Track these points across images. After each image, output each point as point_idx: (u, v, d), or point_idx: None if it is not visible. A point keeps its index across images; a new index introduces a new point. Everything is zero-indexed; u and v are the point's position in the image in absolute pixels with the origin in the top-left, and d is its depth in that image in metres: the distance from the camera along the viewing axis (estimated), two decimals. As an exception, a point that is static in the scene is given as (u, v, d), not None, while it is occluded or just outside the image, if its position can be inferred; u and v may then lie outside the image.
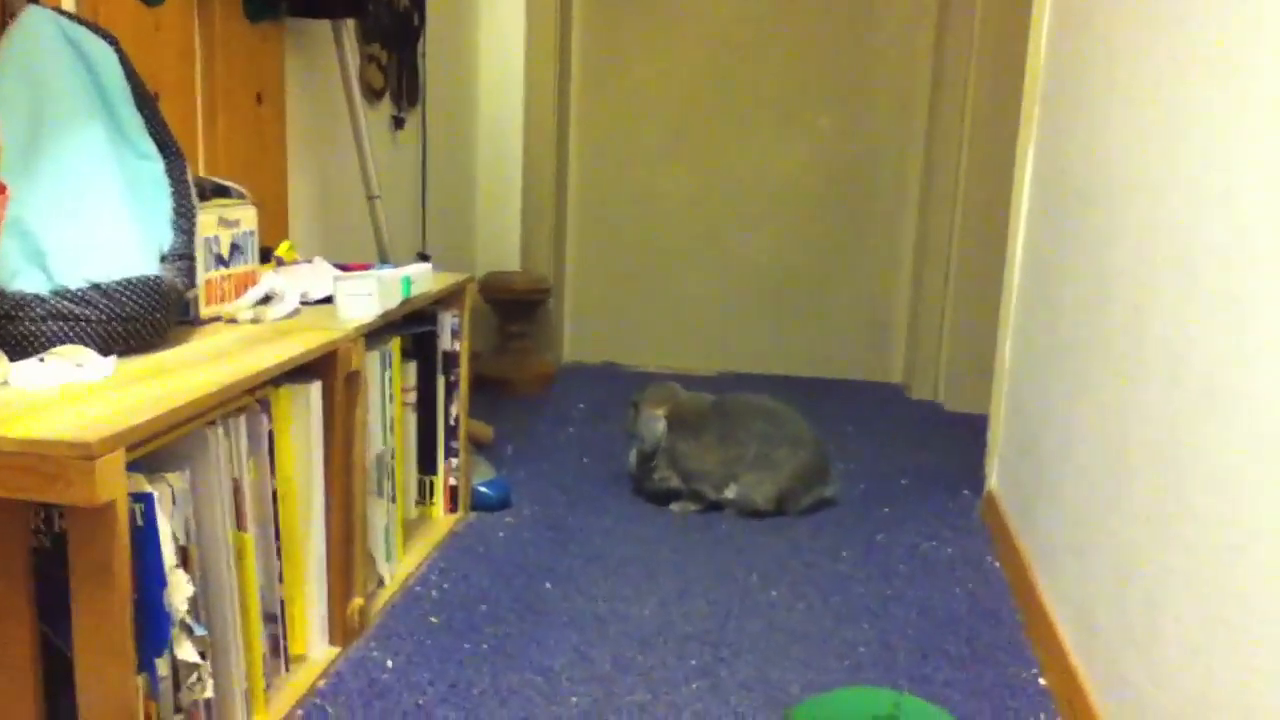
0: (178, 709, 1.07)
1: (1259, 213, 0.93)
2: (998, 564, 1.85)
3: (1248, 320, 0.94)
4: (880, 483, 2.28)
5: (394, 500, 1.68)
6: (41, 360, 1.10)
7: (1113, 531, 1.27)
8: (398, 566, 1.70)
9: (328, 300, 1.54)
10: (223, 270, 1.42)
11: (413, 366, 1.80)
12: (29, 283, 1.13)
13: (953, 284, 2.93)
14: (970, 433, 2.58)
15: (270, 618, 1.29)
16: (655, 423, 2.04)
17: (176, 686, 1.06)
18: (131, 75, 1.28)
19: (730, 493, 2.04)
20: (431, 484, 1.91)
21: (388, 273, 1.55)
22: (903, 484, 2.28)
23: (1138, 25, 1.34)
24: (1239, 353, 0.95)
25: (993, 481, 2.10)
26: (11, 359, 1.10)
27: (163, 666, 1.03)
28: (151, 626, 1.01)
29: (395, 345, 1.66)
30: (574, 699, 1.36)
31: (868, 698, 0.96)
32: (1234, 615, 0.92)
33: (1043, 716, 1.36)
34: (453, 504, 1.94)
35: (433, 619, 1.56)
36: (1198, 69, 1.11)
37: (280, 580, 1.30)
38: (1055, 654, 1.43)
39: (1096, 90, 1.53)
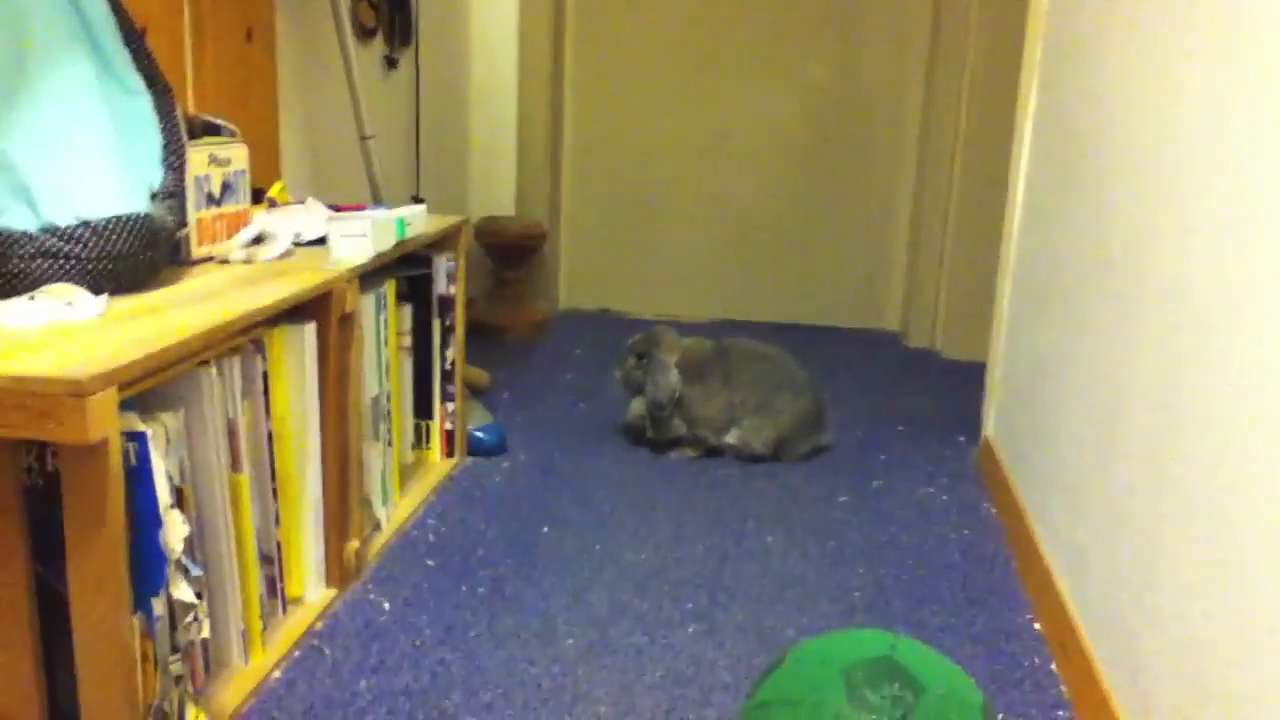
0: (174, 649, 1.07)
1: (1253, 152, 0.92)
2: (993, 510, 1.85)
3: (1243, 262, 0.92)
4: (877, 429, 2.28)
5: (390, 444, 1.67)
6: (31, 298, 1.08)
7: (1108, 474, 1.27)
8: (394, 510, 1.70)
9: (321, 241, 1.52)
10: (214, 209, 1.40)
11: (408, 310, 1.78)
12: (16, 219, 1.11)
13: (951, 230, 2.91)
14: (967, 380, 2.58)
15: (266, 559, 1.29)
16: (669, 374, 2.01)
17: (173, 626, 1.06)
18: (117, 8, 1.24)
19: (731, 437, 2.03)
20: (428, 428, 1.90)
21: (382, 214, 1.53)
22: (899, 430, 2.28)
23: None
24: (1234, 294, 0.94)
25: (989, 428, 2.10)
26: (0, 297, 1.08)
27: (159, 606, 1.03)
28: (146, 566, 1.00)
29: (390, 288, 1.64)
30: (570, 641, 1.36)
31: (864, 639, 0.96)
32: (1228, 557, 0.92)
33: (1036, 660, 1.37)
34: (449, 448, 1.93)
35: (429, 562, 1.56)
36: (1195, 9, 1.09)
37: (276, 522, 1.30)
38: (1049, 598, 1.43)
39: (1097, 32, 1.50)
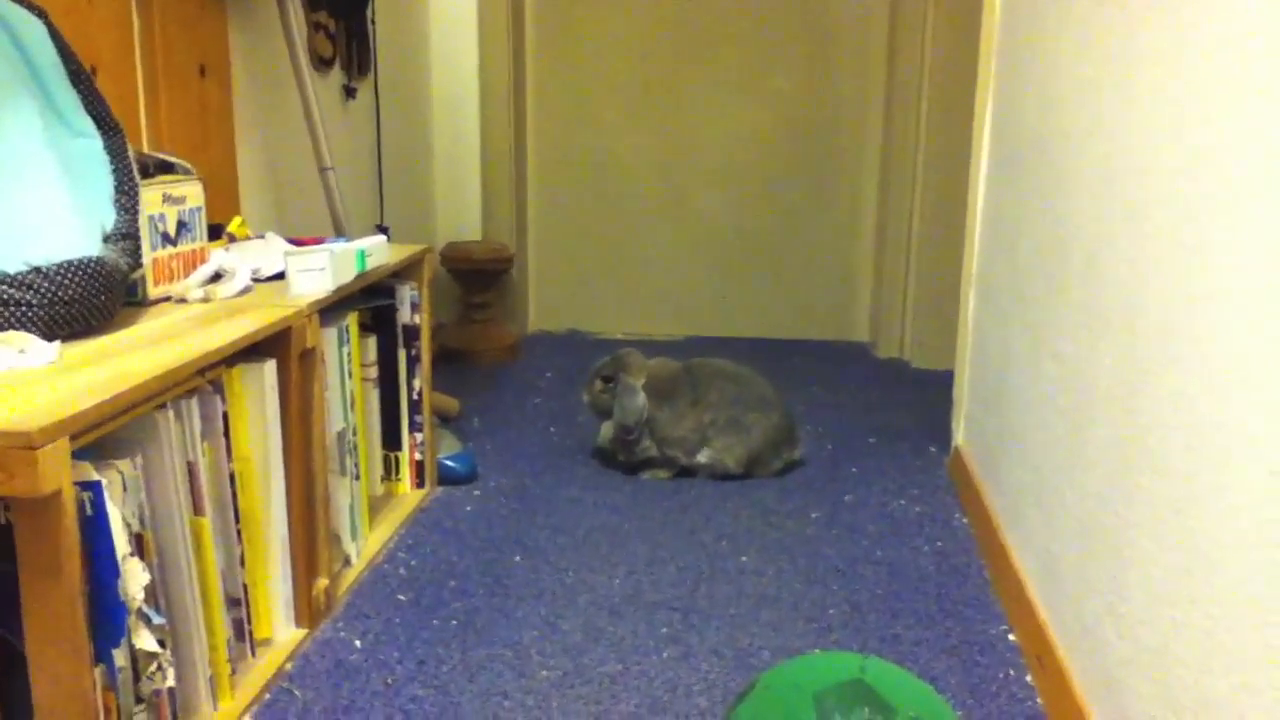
0: (139, 699, 1.05)
1: (1208, 156, 0.92)
2: (965, 520, 1.86)
3: (1201, 266, 0.93)
4: (848, 442, 2.28)
5: (358, 478, 1.65)
6: (-19, 348, 1.06)
7: (1076, 482, 1.27)
8: (364, 545, 1.68)
9: (281, 277, 1.51)
10: (170, 249, 1.38)
11: (373, 341, 1.77)
12: (-36, 268, 1.09)
13: (916, 240, 2.93)
14: (937, 389, 2.58)
15: (233, 602, 1.27)
16: (636, 396, 2.00)
17: (136, 677, 1.04)
18: (64, 50, 1.23)
19: (702, 457, 2.03)
20: (396, 460, 1.89)
21: (340, 246, 1.52)
22: (870, 443, 2.28)
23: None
24: (1192, 297, 0.95)
25: (959, 437, 2.11)
26: (-51, 348, 1.06)
27: (120, 657, 1.01)
28: (106, 617, 0.98)
29: (352, 320, 1.63)
30: (544, 672, 1.35)
31: (834, 663, 0.96)
32: (1196, 565, 0.92)
33: (1011, 672, 1.37)
34: (419, 479, 1.92)
35: (400, 597, 1.55)
36: (1148, 14, 1.10)
37: (242, 564, 1.28)
38: (1023, 609, 1.44)
39: (1050, 36, 1.52)
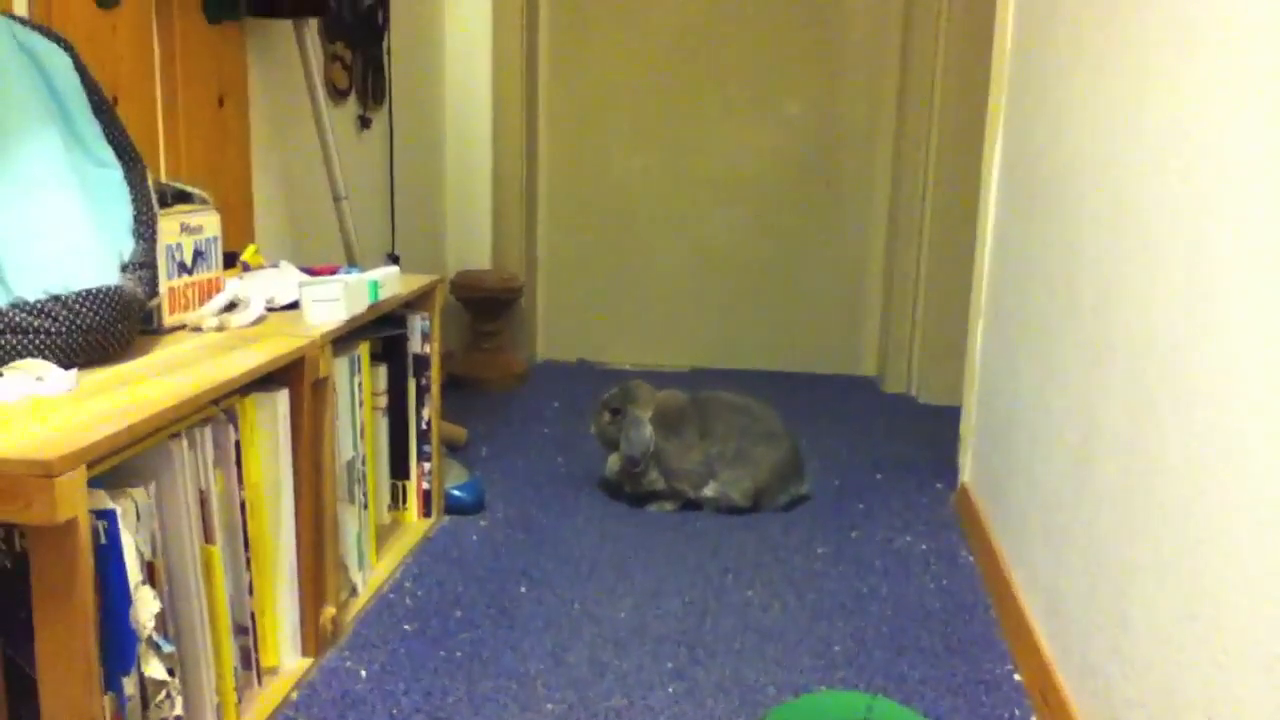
0: (146, 727, 1.05)
1: (1218, 195, 0.93)
2: (971, 557, 1.86)
3: (1210, 306, 0.94)
4: (854, 477, 2.28)
5: (366, 506, 1.66)
6: (-1, 375, 1.08)
7: (1083, 521, 1.28)
8: (371, 573, 1.68)
9: (294, 306, 1.52)
10: (186, 278, 1.40)
11: (383, 370, 1.78)
12: (-15, 296, 1.11)
13: (924, 275, 2.94)
14: (944, 425, 2.58)
15: (241, 630, 1.28)
16: (643, 429, 2.01)
17: (145, 705, 1.05)
18: (88, 81, 1.26)
19: (709, 490, 2.03)
20: (404, 489, 1.90)
21: (354, 277, 1.53)
22: (877, 478, 2.28)
23: (1101, 5, 1.34)
24: (1202, 339, 0.95)
25: (966, 474, 2.11)
26: (-32, 374, 1.07)
27: (130, 685, 1.01)
28: (117, 645, 0.99)
29: (364, 350, 1.64)
30: (550, 705, 1.35)
31: (840, 701, 0.96)
32: (1201, 606, 0.93)
33: (1017, 712, 1.36)
34: (426, 508, 1.92)
35: (406, 626, 1.55)
36: (1157, 46, 1.11)
37: (250, 592, 1.29)
38: (1028, 647, 1.43)
39: (1062, 72, 1.53)
